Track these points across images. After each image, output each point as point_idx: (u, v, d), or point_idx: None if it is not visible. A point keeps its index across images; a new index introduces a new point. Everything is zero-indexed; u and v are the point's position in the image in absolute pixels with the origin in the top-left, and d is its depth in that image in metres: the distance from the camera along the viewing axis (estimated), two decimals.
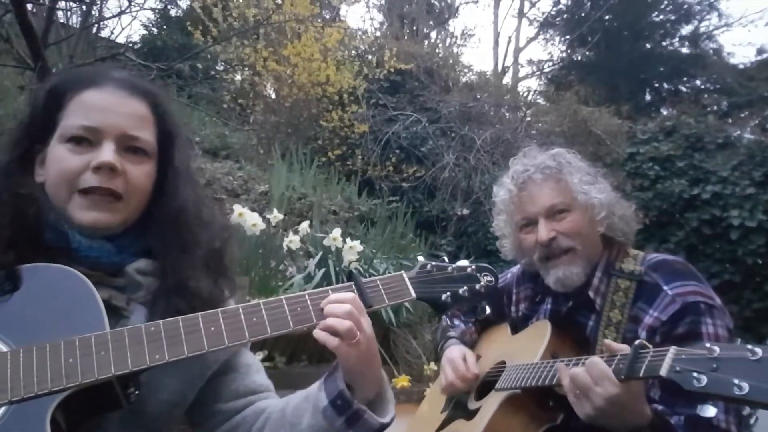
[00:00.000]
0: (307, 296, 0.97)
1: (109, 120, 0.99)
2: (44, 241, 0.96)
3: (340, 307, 0.93)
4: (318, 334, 0.93)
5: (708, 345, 0.92)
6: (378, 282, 1.02)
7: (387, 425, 0.96)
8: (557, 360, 1.29)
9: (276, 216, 3.83)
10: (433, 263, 1.09)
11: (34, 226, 0.96)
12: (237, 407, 1.07)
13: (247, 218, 3.37)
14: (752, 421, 0.89)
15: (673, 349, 0.98)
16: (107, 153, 0.97)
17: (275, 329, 0.93)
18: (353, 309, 0.93)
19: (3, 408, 0.80)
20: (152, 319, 0.94)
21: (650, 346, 1.06)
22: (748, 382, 0.85)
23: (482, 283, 1.09)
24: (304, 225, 3.86)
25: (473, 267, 1.10)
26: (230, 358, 1.09)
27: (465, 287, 1.07)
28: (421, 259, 1.13)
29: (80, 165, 0.97)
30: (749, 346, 0.88)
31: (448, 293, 1.06)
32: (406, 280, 1.05)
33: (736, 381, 0.86)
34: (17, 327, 0.87)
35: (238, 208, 3.41)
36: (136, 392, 0.89)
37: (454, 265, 1.09)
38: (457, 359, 1.63)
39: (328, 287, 1.00)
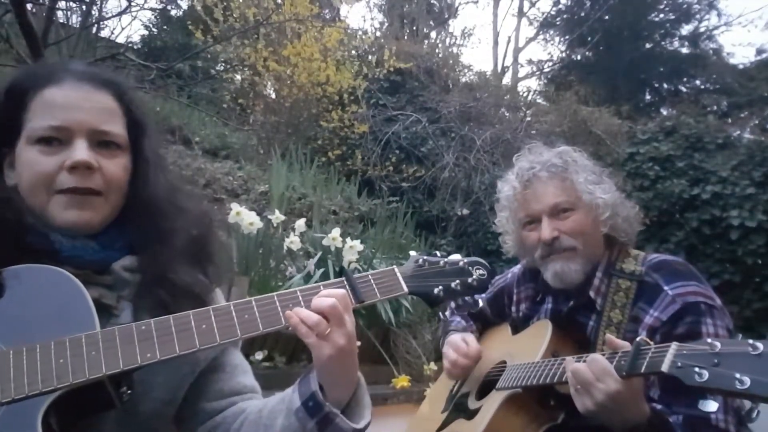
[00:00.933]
0: (298, 292, 0.96)
1: (77, 117, 0.96)
2: (27, 243, 0.94)
3: (324, 300, 0.92)
4: (289, 316, 0.92)
5: (709, 341, 0.93)
6: (370, 277, 1.02)
7: (360, 431, 0.94)
8: (558, 358, 1.28)
9: (278, 217, 3.81)
10: (425, 257, 1.08)
11: (14, 229, 0.94)
12: (219, 407, 1.06)
13: (245, 217, 3.36)
14: (754, 414, 0.90)
15: (674, 345, 0.98)
16: (81, 151, 0.95)
17: (267, 326, 0.92)
18: (337, 303, 0.92)
19: None
20: (138, 314, 0.93)
21: (651, 342, 1.06)
22: (749, 377, 0.85)
23: (474, 277, 1.08)
24: (300, 222, 3.83)
25: (465, 261, 1.10)
26: (218, 356, 1.08)
27: (457, 281, 1.07)
28: (413, 254, 1.12)
29: (54, 166, 0.95)
30: (750, 341, 0.88)
31: (441, 287, 1.06)
32: (398, 274, 1.04)
33: (737, 375, 0.86)
34: (7, 329, 0.86)
35: (235, 207, 3.39)
36: (129, 392, 0.88)
37: (446, 260, 1.09)
38: (457, 340, 1.63)
39: (320, 283, 0.99)
